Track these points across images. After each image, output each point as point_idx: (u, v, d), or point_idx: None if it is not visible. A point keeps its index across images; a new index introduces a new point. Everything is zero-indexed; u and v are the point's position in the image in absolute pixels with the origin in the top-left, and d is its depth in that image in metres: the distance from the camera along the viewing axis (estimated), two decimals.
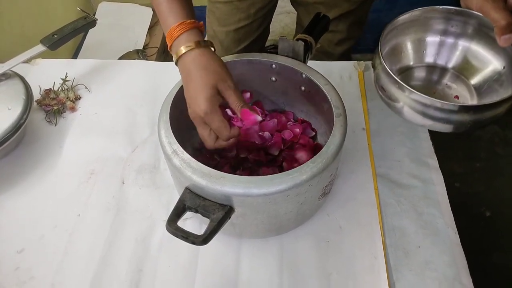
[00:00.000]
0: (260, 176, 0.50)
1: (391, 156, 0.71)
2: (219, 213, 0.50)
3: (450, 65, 0.63)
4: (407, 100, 0.53)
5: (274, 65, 0.65)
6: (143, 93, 0.81)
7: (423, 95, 0.50)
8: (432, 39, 0.62)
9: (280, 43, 0.64)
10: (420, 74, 0.64)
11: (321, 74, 0.61)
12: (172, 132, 0.54)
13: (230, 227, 0.57)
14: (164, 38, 1.54)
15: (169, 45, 0.56)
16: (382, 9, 1.65)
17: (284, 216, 0.55)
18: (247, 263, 0.60)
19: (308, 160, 0.51)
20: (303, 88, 0.66)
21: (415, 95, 0.51)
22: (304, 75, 0.63)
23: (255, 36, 0.99)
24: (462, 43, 0.61)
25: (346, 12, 0.91)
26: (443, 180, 0.69)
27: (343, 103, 0.58)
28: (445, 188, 0.68)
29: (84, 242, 0.62)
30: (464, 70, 0.62)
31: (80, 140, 0.75)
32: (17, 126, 0.68)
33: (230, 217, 0.51)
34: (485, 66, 0.59)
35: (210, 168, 0.50)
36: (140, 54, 1.42)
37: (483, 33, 0.57)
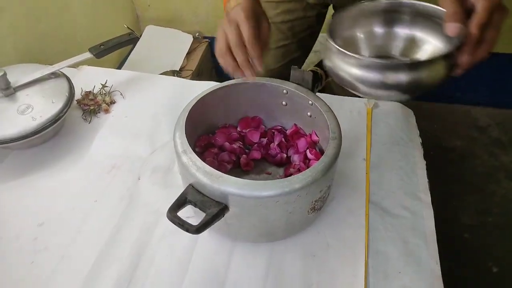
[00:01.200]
0: (254, 181, 0.56)
1: (387, 186, 0.76)
2: (215, 208, 0.56)
3: (398, 53, 0.65)
4: (347, 67, 0.54)
5: (285, 91, 0.73)
6: (170, 104, 0.91)
7: (359, 56, 0.53)
8: (381, 30, 0.65)
9: (292, 71, 0.72)
10: None
11: (325, 102, 0.68)
12: (185, 135, 0.62)
13: (224, 227, 0.63)
14: (199, 62, 1.67)
15: (224, 6, 0.63)
16: None
17: (274, 222, 0.61)
18: (237, 264, 0.65)
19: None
20: (309, 113, 0.73)
21: (353, 58, 0.53)
22: (310, 102, 0.70)
23: (293, 57, 1.08)
24: (409, 32, 0.64)
25: None
26: (433, 216, 0.72)
27: (340, 129, 0.64)
28: (434, 224, 0.71)
29: (95, 224, 0.70)
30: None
31: (108, 138, 0.85)
32: (57, 118, 0.79)
33: (224, 215, 0.57)
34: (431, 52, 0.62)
35: (212, 168, 0.57)
36: (176, 74, 1.54)
37: (431, 22, 0.60)
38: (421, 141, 0.85)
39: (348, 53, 0.53)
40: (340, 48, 0.54)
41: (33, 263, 0.65)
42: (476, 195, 1.52)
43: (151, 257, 0.66)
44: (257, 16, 0.62)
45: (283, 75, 1.06)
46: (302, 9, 1.00)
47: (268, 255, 0.66)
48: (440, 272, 0.65)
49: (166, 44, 1.69)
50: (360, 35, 0.66)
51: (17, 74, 0.82)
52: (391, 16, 0.64)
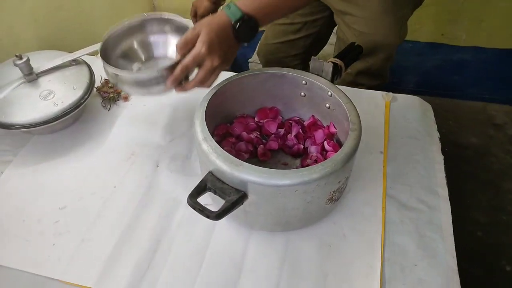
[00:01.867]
0: (274, 169, 0.56)
1: (404, 180, 0.75)
2: (234, 196, 0.57)
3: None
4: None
5: (304, 81, 0.73)
6: (189, 95, 0.91)
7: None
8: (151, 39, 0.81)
9: (312, 62, 0.72)
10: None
11: (345, 94, 0.68)
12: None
13: (242, 215, 0.64)
14: None
15: None
16: (424, 53, 1.70)
17: (292, 211, 0.61)
18: (253, 252, 0.66)
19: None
20: (327, 105, 0.73)
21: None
22: (330, 93, 0.70)
23: (293, 37, 1.13)
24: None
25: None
26: (450, 210, 0.72)
27: (360, 121, 0.64)
28: (451, 218, 0.71)
29: (115, 209, 0.71)
30: None
31: (127, 125, 0.86)
32: (78, 104, 0.80)
33: (243, 202, 0.58)
34: None
35: (232, 156, 0.58)
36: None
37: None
38: (439, 136, 0.84)
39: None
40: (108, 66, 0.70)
41: (55, 245, 0.67)
42: (490, 193, 1.50)
43: (169, 243, 0.67)
44: None
45: (280, 52, 1.11)
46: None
47: (284, 244, 0.67)
48: (457, 266, 0.65)
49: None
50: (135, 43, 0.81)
51: (39, 60, 0.83)
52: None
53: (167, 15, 0.79)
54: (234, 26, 0.63)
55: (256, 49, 1.31)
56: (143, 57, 0.82)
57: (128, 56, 0.80)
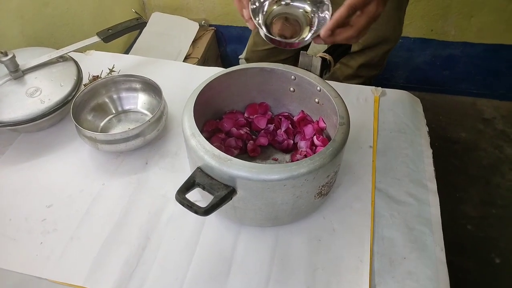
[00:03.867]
0: (263, 164, 0.56)
1: (393, 174, 0.76)
2: (223, 191, 0.57)
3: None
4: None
5: (293, 77, 0.73)
6: (176, 89, 0.90)
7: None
8: None
9: (301, 57, 0.71)
10: None
11: (333, 88, 0.68)
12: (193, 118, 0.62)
13: (231, 210, 0.64)
14: (205, 50, 1.66)
15: None
16: (414, 49, 1.71)
17: (281, 206, 0.61)
18: (242, 247, 0.66)
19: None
20: (316, 100, 0.73)
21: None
22: (319, 88, 0.69)
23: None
24: None
25: (356, 52, 0.98)
26: (438, 204, 0.72)
27: (348, 115, 0.64)
28: (439, 211, 0.71)
29: (104, 207, 0.71)
30: None
31: None
32: (65, 101, 0.79)
33: (231, 198, 0.58)
34: None
35: (220, 151, 0.57)
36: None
37: None
38: (427, 130, 0.84)
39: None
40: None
41: (42, 243, 0.66)
42: (480, 187, 1.52)
43: (158, 240, 0.66)
44: None
45: (270, 58, 1.09)
46: None
47: (274, 239, 0.67)
48: (445, 259, 0.65)
49: (172, 32, 1.69)
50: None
51: (26, 57, 0.82)
52: None
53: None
54: None
55: (244, 54, 1.31)
56: (113, 110, 0.85)
57: (100, 110, 0.83)
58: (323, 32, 0.59)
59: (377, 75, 1.08)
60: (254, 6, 0.63)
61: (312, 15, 0.65)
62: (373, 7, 0.57)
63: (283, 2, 0.66)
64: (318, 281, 0.62)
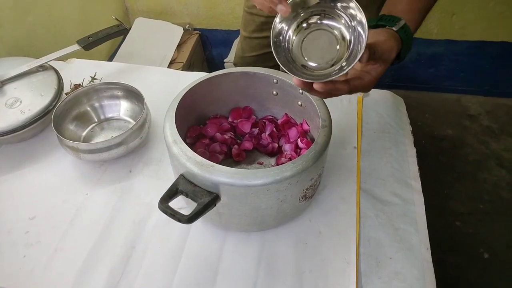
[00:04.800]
0: (245, 169, 0.56)
1: (377, 174, 0.76)
2: (206, 198, 0.56)
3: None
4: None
5: (276, 80, 0.72)
6: (160, 96, 0.89)
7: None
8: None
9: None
10: None
11: None
12: (175, 125, 0.62)
13: (216, 217, 0.63)
14: (190, 54, 1.65)
15: None
16: None
17: (265, 211, 0.61)
18: (229, 253, 0.65)
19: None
20: (300, 103, 0.73)
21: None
22: (301, 91, 0.70)
23: (269, 50, 1.07)
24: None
25: None
26: (423, 202, 0.72)
27: (330, 117, 0.64)
28: (424, 210, 0.71)
29: (88, 217, 0.70)
30: None
31: None
32: (46, 111, 0.78)
33: (215, 204, 0.57)
34: None
35: (203, 158, 0.57)
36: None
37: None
38: (411, 129, 0.85)
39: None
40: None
41: (26, 257, 0.65)
42: (467, 183, 1.53)
43: (144, 249, 0.66)
44: None
45: (257, 64, 1.08)
46: None
47: (260, 244, 0.66)
48: (431, 258, 0.65)
49: (156, 37, 1.68)
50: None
51: (4, 68, 0.81)
52: None
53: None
54: (406, 50, 0.58)
55: (230, 57, 1.31)
56: (95, 119, 0.84)
57: (82, 119, 0.83)
58: (316, 87, 0.52)
59: None
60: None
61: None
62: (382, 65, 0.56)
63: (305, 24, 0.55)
64: (305, 285, 0.62)
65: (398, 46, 0.58)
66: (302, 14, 0.54)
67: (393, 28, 0.59)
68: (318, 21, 0.54)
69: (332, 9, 0.53)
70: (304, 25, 0.55)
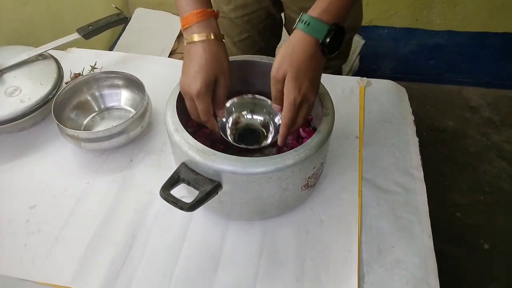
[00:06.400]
0: (247, 157, 0.56)
1: (379, 163, 0.76)
2: (208, 186, 0.56)
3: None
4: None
5: None
6: (161, 85, 0.88)
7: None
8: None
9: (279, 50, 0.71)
10: None
11: None
12: (177, 114, 0.61)
13: (218, 205, 0.63)
14: None
15: (183, 28, 0.61)
16: (400, 39, 1.71)
17: (267, 199, 0.61)
18: (231, 242, 0.65)
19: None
20: None
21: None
22: None
23: (260, 46, 1.04)
24: None
25: None
26: (425, 191, 0.72)
27: (333, 105, 0.63)
28: (426, 199, 0.71)
29: (89, 206, 0.70)
30: None
31: None
32: (46, 100, 0.77)
33: (217, 192, 0.57)
34: None
35: (204, 146, 0.57)
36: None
37: None
38: (413, 119, 0.85)
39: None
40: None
41: (27, 245, 0.65)
42: (468, 174, 1.53)
43: (145, 238, 0.66)
44: (211, 81, 0.59)
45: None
46: (256, 1, 0.94)
47: (262, 232, 0.66)
48: (433, 246, 0.65)
49: (156, 27, 1.67)
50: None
51: (4, 56, 0.81)
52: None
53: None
54: (324, 43, 0.54)
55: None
56: (96, 108, 0.84)
57: (82, 108, 0.82)
58: (280, 141, 0.61)
59: (344, 63, 1.09)
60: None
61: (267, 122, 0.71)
62: (310, 95, 0.57)
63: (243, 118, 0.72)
64: (307, 273, 0.62)
65: (299, 43, 0.55)
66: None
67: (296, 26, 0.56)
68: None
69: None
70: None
